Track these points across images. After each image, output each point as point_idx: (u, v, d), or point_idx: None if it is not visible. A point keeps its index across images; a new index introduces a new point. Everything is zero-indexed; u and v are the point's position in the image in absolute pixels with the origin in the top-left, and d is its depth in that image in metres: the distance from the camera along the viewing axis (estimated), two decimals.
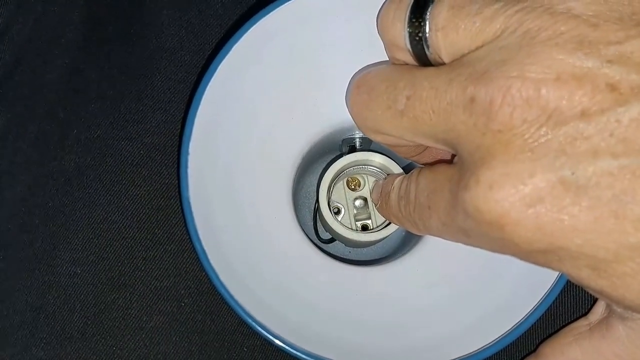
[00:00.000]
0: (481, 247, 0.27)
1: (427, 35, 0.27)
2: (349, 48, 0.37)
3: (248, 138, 0.37)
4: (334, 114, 0.38)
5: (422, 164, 0.34)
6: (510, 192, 0.24)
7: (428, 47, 0.27)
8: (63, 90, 0.41)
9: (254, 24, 0.36)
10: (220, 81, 0.35)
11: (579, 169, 0.23)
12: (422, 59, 0.28)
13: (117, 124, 0.41)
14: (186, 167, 0.35)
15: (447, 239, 0.29)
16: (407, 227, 0.33)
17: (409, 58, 0.29)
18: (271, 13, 0.36)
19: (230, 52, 0.35)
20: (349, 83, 0.33)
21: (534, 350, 0.37)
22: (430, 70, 0.27)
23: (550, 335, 0.37)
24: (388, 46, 0.30)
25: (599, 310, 0.35)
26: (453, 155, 0.31)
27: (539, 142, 0.23)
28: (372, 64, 0.34)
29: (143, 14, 0.42)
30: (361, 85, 0.30)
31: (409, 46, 0.28)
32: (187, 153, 0.35)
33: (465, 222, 0.26)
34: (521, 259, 0.26)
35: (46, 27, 0.42)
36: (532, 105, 0.23)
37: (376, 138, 0.31)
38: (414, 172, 0.31)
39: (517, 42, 0.24)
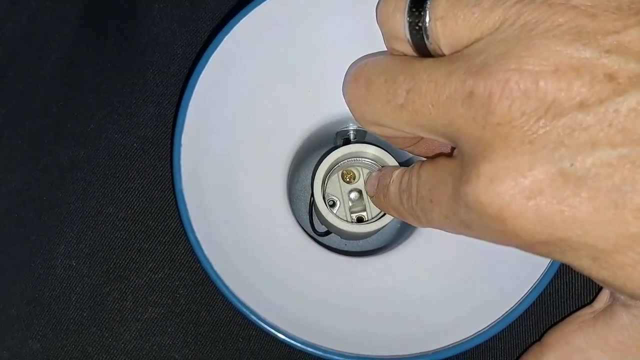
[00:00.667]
0: (483, 239, 0.27)
1: (427, 25, 0.27)
2: (343, 40, 0.37)
3: (242, 130, 0.37)
4: (328, 107, 0.38)
5: (417, 155, 0.34)
6: (511, 185, 0.24)
7: (427, 37, 0.27)
8: (57, 86, 0.41)
9: (245, 15, 0.36)
10: (212, 73, 0.35)
11: (578, 160, 0.23)
12: (422, 49, 0.28)
13: (111, 118, 0.41)
14: (179, 159, 0.35)
15: (448, 232, 0.29)
16: (409, 220, 0.32)
17: (408, 49, 0.29)
18: (262, 4, 0.36)
19: (221, 44, 0.35)
20: (346, 74, 0.33)
21: (539, 339, 0.37)
22: (429, 62, 0.27)
23: (553, 324, 0.37)
24: (387, 37, 0.30)
25: (603, 298, 0.35)
26: (452, 148, 0.31)
27: (537, 134, 0.23)
28: (369, 54, 0.34)
29: (136, 8, 0.42)
30: (359, 78, 0.30)
31: (408, 36, 0.28)
32: (180, 145, 0.35)
33: (468, 215, 0.26)
34: (523, 250, 0.26)
35: (40, 23, 0.42)
36: (531, 98, 0.23)
37: (374, 130, 0.31)
38: (415, 165, 0.31)
39: (515, 35, 0.24)
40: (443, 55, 0.27)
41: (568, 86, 0.23)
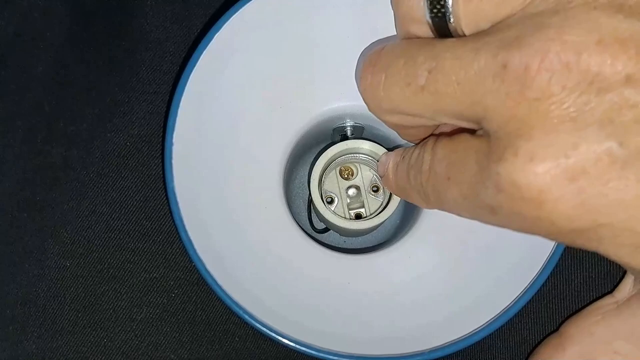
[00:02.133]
0: (505, 227, 0.25)
1: (449, 3, 0.25)
2: (338, 35, 0.36)
3: (236, 127, 0.37)
4: (324, 103, 0.37)
5: None
6: (552, 165, 0.22)
7: (450, 16, 0.25)
8: (49, 85, 0.41)
9: (237, 10, 0.35)
10: (204, 71, 0.35)
11: (626, 139, 0.21)
12: (442, 30, 0.26)
13: (103, 116, 0.41)
14: (170, 157, 0.34)
15: (461, 215, 0.27)
16: (414, 200, 0.31)
17: (426, 31, 0.27)
18: (254, 0, 0.36)
19: (213, 41, 0.35)
20: (359, 62, 0.32)
21: (556, 330, 0.36)
22: (452, 41, 0.25)
23: (569, 316, 0.36)
24: (402, 20, 0.28)
25: (626, 287, 0.34)
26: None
27: (581, 111, 0.22)
28: (381, 39, 0.33)
29: (127, 5, 0.42)
30: (375, 63, 0.28)
31: (428, 17, 0.26)
32: (171, 144, 0.35)
33: (496, 198, 0.24)
34: (554, 239, 0.25)
35: (32, 22, 0.42)
36: (572, 70, 0.22)
37: (391, 120, 0.29)
38: (429, 140, 0.29)
39: (551, 8, 0.22)
40: (464, 36, 0.25)
41: (613, 59, 0.21)
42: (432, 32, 0.26)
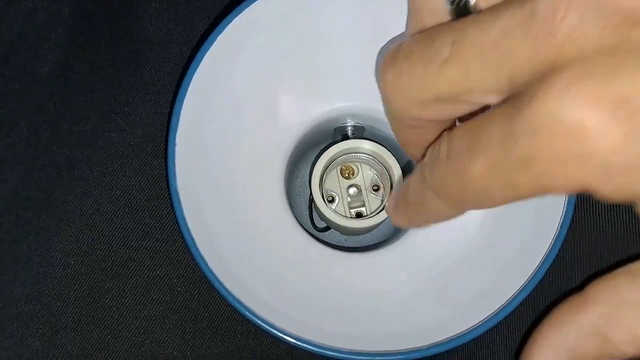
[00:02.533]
0: (542, 186, 0.23)
1: None
2: (340, 36, 0.37)
3: (237, 127, 0.37)
4: (325, 102, 0.38)
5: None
6: (594, 92, 0.20)
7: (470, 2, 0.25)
8: (54, 85, 0.42)
9: (240, 12, 0.36)
10: (206, 72, 0.36)
11: None
12: (462, 15, 0.25)
13: (108, 117, 0.41)
14: (173, 157, 0.35)
15: (488, 199, 0.24)
16: (432, 207, 0.27)
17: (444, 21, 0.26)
18: (257, 1, 0.36)
19: (215, 43, 0.35)
20: (378, 62, 0.32)
21: (580, 289, 0.34)
22: (472, 15, 0.24)
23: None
24: (418, 11, 0.27)
25: None
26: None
27: (617, 43, 0.21)
28: (395, 36, 0.32)
29: (131, 6, 0.42)
30: (396, 56, 0.26)
31: (448, 5, 0.25)
32: (174, 144, 0.35)
33: (532, 144, 0.22)
34: (602, 185, 0.22)
35: (36, 22, 0.43)
36: (603, 6, 0.21)
37: (413, 112, 0.26)
38: (444, 135, 0.26)
39: None
40: None
41: None
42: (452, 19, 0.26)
